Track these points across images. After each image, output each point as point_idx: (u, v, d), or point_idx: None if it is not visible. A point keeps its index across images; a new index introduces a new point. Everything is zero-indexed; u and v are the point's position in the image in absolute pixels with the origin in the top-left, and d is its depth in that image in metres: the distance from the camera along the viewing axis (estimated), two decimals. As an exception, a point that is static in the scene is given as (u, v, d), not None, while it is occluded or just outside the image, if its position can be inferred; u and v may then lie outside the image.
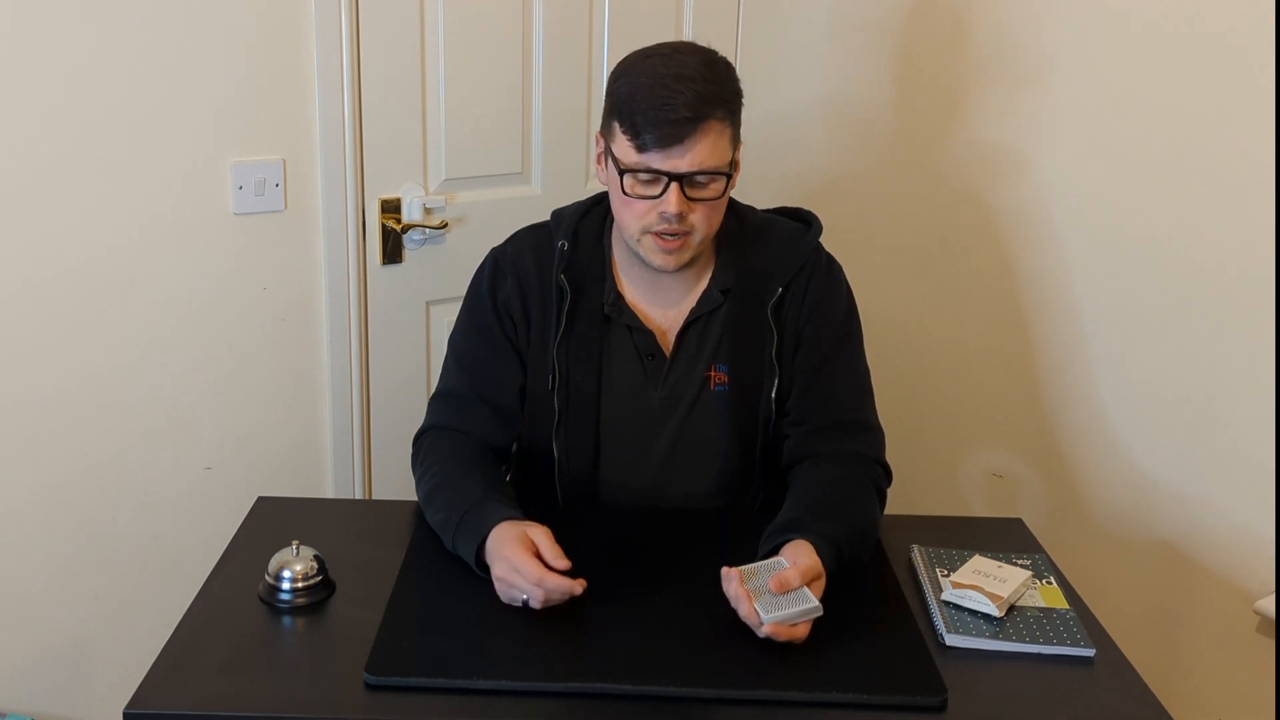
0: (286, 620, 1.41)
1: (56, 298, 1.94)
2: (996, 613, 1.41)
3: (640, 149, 1.46)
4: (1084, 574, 1.75)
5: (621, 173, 1.49)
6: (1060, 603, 1.46)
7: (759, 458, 1.65)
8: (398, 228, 2.25)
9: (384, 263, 2.26)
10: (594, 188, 2.34)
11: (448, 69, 2.22)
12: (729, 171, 1.50)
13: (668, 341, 1.63)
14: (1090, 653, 1.37)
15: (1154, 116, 1.91)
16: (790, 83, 2.53)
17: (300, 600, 1.42)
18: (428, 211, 2.26)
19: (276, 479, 2.21)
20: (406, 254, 2.28)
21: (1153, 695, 1.31)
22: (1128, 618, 1.86)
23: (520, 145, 2.36)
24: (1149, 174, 1.93)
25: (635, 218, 1.51)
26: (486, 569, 1.44)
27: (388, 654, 1.31)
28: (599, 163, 1.57)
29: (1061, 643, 1.38)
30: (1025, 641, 1.37)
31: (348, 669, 1.29)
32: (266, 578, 1.44)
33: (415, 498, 1.63)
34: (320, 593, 1.44)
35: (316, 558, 1.45)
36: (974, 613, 1.42)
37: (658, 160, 1.45)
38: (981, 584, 1.45)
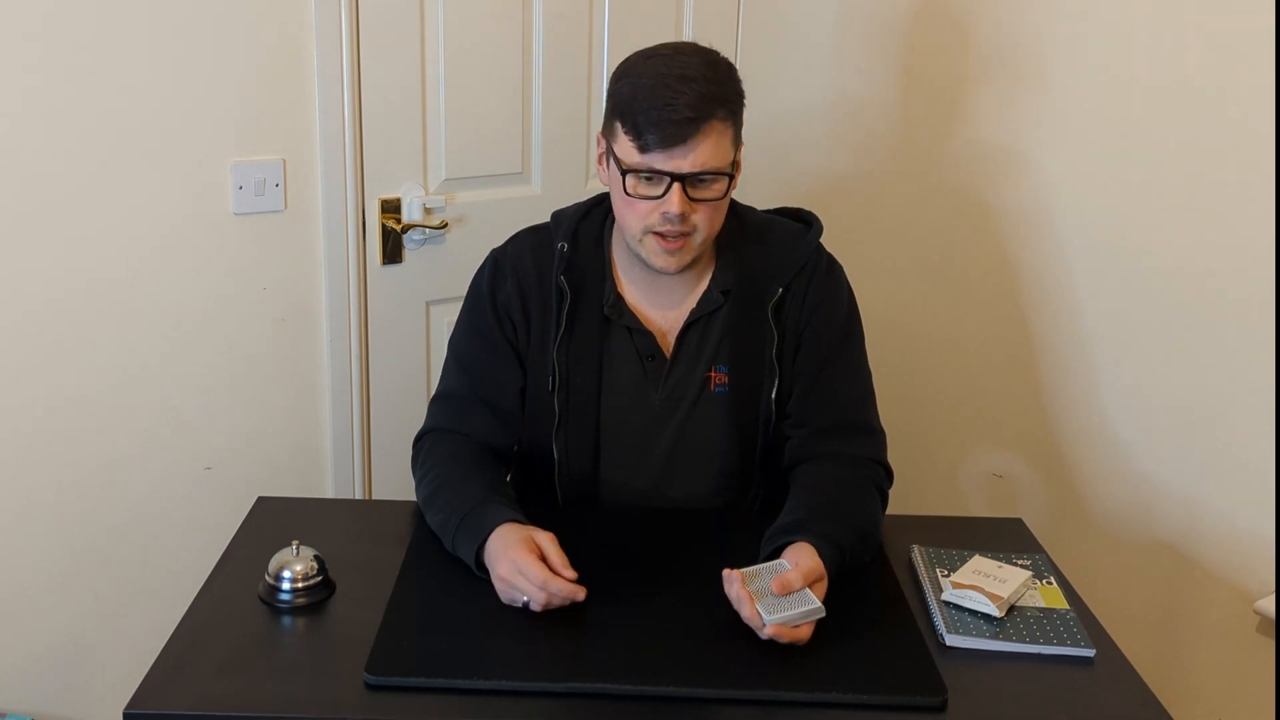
0: (286, 620, 1.41)
1: (56, 298, 1.94)
2: (996, 613, 1.41)
3: (643, 149, 1.46)
4: (1084, 574, 1.75)
5: (624, 173, 1.49)
6: (1060, 603, 1.46)
7: (759, 459, 1.65)
8: (398, 228, 2.25)
9: (384, 263, 2.26)
10: (594, 188, 2.34)
11: (448, 69, 2.22)
12: (731, 172, 1.50)
13: (668, 343, 1.63)
14: (1090, 653, 1.37)
15: (1154, 116, 1.91)
16: (790, 83, 2.53)
17: (300, 600, 1.42)
18: (428, 211, 2.26)
19: (276, 479, 2.21)
20: (406, 254, 2.28)
21: (1153, 695, 1.31)
22: (1128, 618, 1.86)
23: (520, 145, 2.36)
24: (1149, 174, 1.93)
25: (637, 218, 1.51)
26: (486, 571, 1.44)
27: (388, 654, 1.31)
28: (600, 163, 1.57)
29: (1061, 643, 1.38)
30: (1025, 641, 1.37)
31: (348, 669, 1.29)
32: (266, 578, 1.44)
33: (415, 498, 1.63)
34: (320, 593, 1.44)
35: (316, 558, 1.45)
36: (974, 613, 1.42)
37: (660, 160, 1.45)
38: (981, 584, 1.45)
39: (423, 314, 2.35)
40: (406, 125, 2.22)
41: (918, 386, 2.40)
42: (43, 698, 2.11)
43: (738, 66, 1.52)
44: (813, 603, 1.34)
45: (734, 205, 1.65)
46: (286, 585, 1.43)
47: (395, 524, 1.62)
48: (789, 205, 1.74)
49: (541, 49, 2.32)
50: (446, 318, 2.23)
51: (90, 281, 1.97)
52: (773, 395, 1.62)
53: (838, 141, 2.49)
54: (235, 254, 2.09)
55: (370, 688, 1.27)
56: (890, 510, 1.63)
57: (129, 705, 1.24)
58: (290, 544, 1.45)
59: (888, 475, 1.64)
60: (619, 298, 1.63)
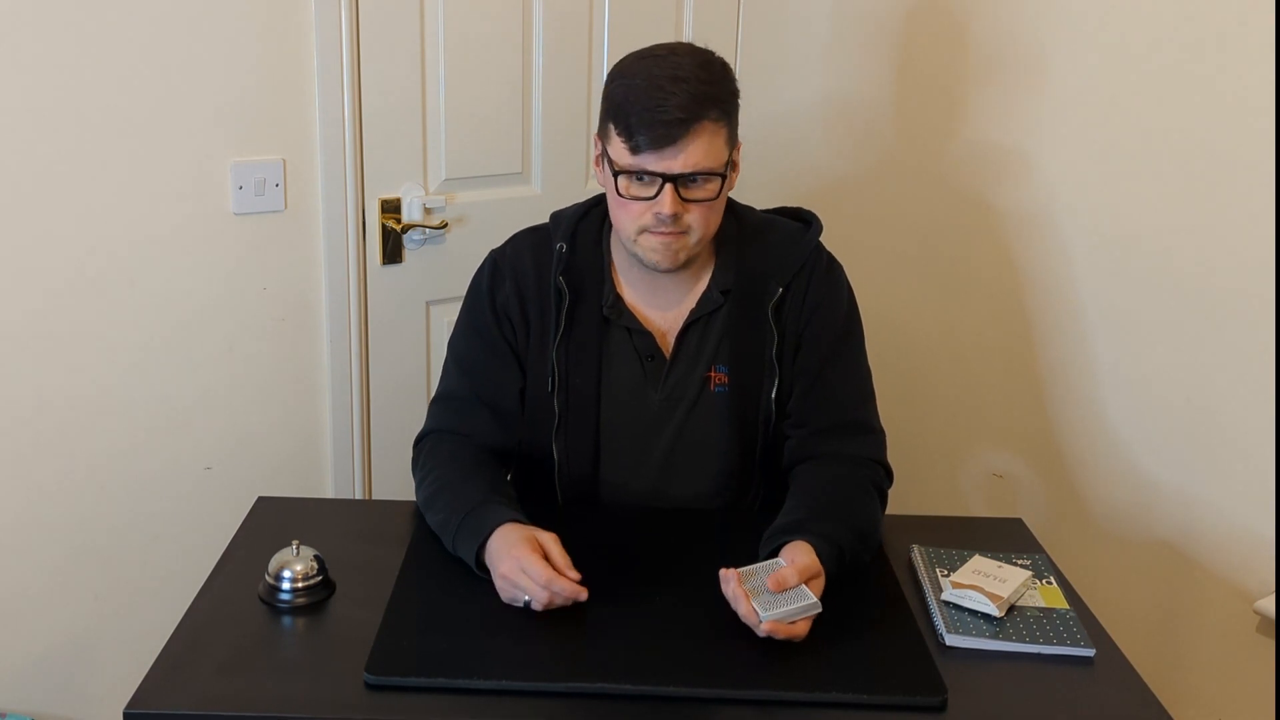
0: (286, 620, 1.41)
1: (57, 297, 1.94)
2: (996, 613, 1.41)
3: (634, 150, 1.46)
4: (1084, 574, 1.75)
5: (616, 174, 1.49)
6: (1060, 603, 1.46)
7: (759, 458, 1.65)
8: (398, 228, 2.25)
9: (384, 263, 2.26)
10: (594, 188, 2.34)
11: (448, 69, 2.22)
12: (724, 172, 1.50)
13: (667, 343, 1.63)
14: (1090, 653, 1.37)
15: (1154, 116, 1.91)
16: (790, 83, 2.53)
17: (300, 600, 1.42)
18: (428, 211, 2.26)
19: (276, 479, 2.21)
20: (406, 254, 2.28)
21: (1153, 695, 1.31)
22: (1128, 618, 1.86)
23: (520, 145, 2.36)
24: (1149, 174, 1.93)
25: (631, 219, 1.51)
26: (486, 571, 1.44)
27: (388, 654, 1.31)
28: (597, 164, 1.57)
29: (1061, 643, 1.38)
30: (1025, 641, 1.37)
31: (348, 669, 1.29)
32: (266, 578, 1.44)
33: (415, 498, 1.63)
34: (320, 593, 1.44)
35: (316, 558, 1.45)
36: (974, 613, 1.42)
37: (651, 161, 1.46)
38: (981, 584, 1.45)
39: (423, 314, 2.35)
40: (406, 125, 2.22)
41: (918, 386, 2.40)
42: (43, 698, 2.11)
43: (737, 66, 1.53)
44: (809, 599, 1.34)
45: (733, 205, 1.65)
46: (286, 585, 1.43)
47: (395, 524, 1.62)
48: (788, 204, 1.74)
49: (541, 49, 2.32)
50: (446, 318, 2.23)
51: (90, 281, 1.97)
52: (773, 395, 1.62)
53: (837, 140, 2.49)
54: (235, 254, 2.09)
55: (370, 688, 1.27)
56: (890, 510, 1.63)
57: (129, 705, 1.24)
58: (290, 544, 1.45)
59: (887, 475, 1.64)
60: (618, 298, 1.63)
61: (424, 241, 2.29)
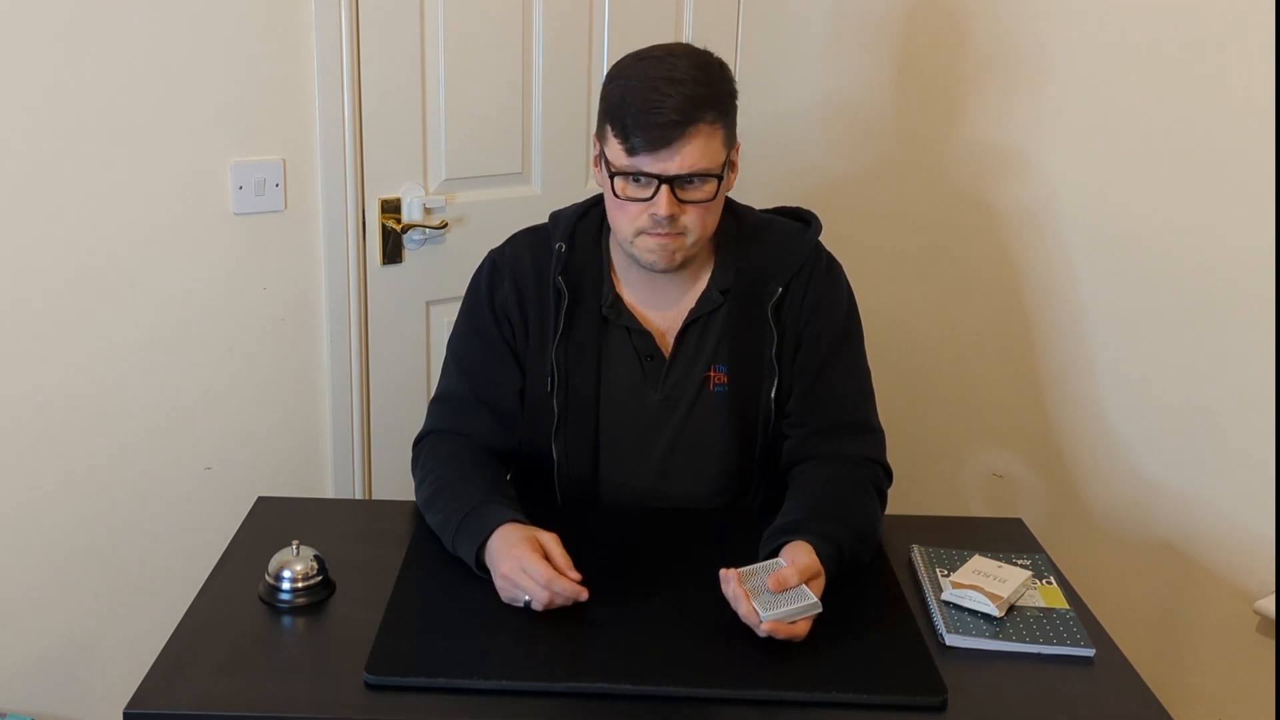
0: (286, 620, 1.41)
1: (57, 298, 1.94)
2: (996, 613, 1.41)
3: (630, 152, 1.46)
4: (1084, 574, 1.75)
5: (612, 175, 1.49)
6: (1060, 603, 1.46)
7: (758, 458, 1.65)
8: (398, 228, 2.25)
9: (384, 263, 2.26)
10: (594, 188, 2.32)
11: (448, 69, 2.22)
12: (720, 174, 1.50)
13: (667, 343, 1.63)
14: (1090, 653, 1.37)
15: (1154, 116, 1.91)
16: (790, 83, 2.53)
17: (300, 600, 1.42)
18: (428, 211, 2.26)
19: (276, 479, 2.21)
20: (406, 254, 2.28)
21: (1153, 695, 1.31)
22: (1128, 618, 1.86)
23: (520, 145, 2.36)
24: (1149, 174, 1.93)
25: (628, 220, 1.51)
26: (486, 571, 1.44)
27: (388, 654, 1.31)
28: (596, 165, 1.57)
29: (1061, 643, 1.38)
30: (1025, 641, 1.38)
31: (348, 669, 1.29)
32: (266, 578, 1.44)
33: (415, 498, 1.63)
34: (320, 593, 1.44)
35: (316, 558, 1.45)
36: (974, 613, 1.42)
37: (647, 163, 1.46)
38: (981, 584, 1.45)
39: (423, 314, 2.35)
40: (406, 125, 2.22)
41: (918, 386, 2.40)
42: (43, 698, 2.11)
43: (737, 66, 1.53)
44: (809, 598, 1.34)
45: (732, 205, 1.65)
46: (286, 585, 1.43)
47: (395, 524, 1.62)
48: (788, 204, 1.74)
49: (541, 49, 2.32)
50: (446, 318, 2.23)
51: (90, 281, 1.97)
52: (772, 395, 1.62)
53: (837, 140, 2.49)
54: (235, 254, 2.09)
55: (370, 688, 1.27)
56: (890, 510, 1.63)
57: (129, 705, 1.24)
58: (290, 544, 1.45)
59: (887, 475, 1.64)
60: (617, 298, 1.63)
61: (424, 241, 2.29)
